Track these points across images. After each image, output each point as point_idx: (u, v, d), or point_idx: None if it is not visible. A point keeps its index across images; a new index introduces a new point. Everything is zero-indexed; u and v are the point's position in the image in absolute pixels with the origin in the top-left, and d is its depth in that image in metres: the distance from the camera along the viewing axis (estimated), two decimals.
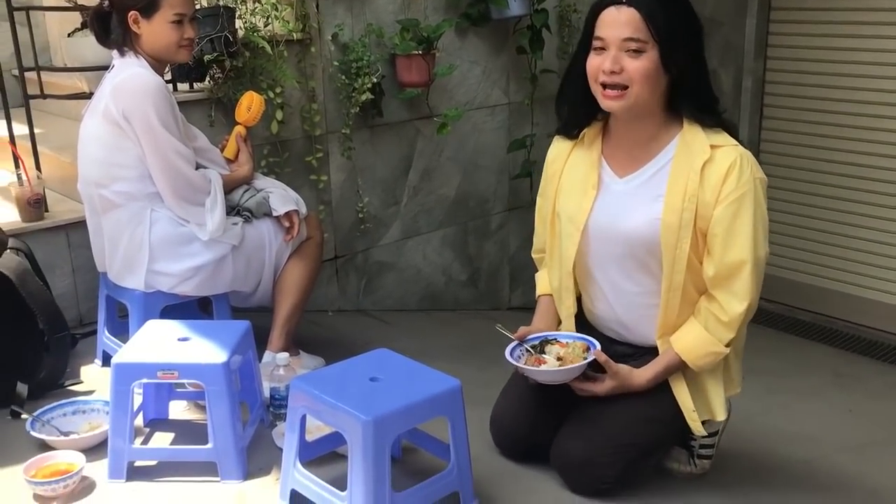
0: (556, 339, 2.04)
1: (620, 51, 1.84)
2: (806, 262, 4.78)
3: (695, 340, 1.94)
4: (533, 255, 2.31)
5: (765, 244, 1.91)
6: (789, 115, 4.73)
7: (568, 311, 2.11)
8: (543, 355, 1.99)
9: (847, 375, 3.55)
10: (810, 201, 4.70)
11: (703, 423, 2.02)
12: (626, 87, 1.86)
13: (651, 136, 1.95)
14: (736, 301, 1.90)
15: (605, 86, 1.88)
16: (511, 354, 2.00)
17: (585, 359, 1.95)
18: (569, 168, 2.08)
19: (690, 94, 1.91)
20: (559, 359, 1.97)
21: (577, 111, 2.04)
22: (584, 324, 2.14)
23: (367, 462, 1.69)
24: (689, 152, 1.90)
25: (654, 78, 1.86)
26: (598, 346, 1.97)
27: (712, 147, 1.89)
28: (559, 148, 2.12)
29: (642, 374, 1.98)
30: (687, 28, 1.88)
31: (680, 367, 1.97)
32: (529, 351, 2.01)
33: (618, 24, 1.84)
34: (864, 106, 4.39)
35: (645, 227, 1.93)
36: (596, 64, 1.88)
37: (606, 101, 1.90)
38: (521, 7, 3.40)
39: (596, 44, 1.89)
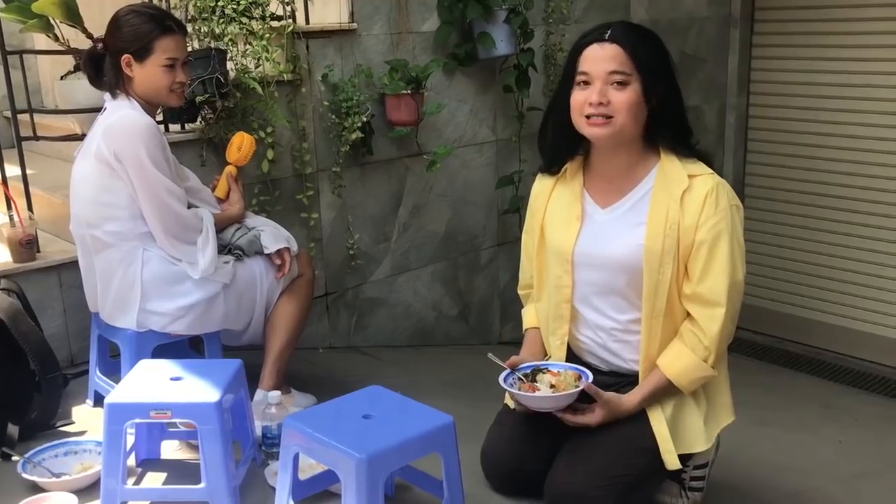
0: (547, 368, 2.06)
1: (606, 84, 1.92)
2: (793, 294, 4.82)
3: (684, 365, 1.97)
4: (519, 292, 2.34)
5: (742, 268, 1.98)
6: (773, 150, 4.80)
7: (561, 339, 2.13)
8: (536, 384, 2.01)
9: (836, 407, 3.56)
10: (796, 234, 4.75)
11: (691, 455, 2.04)
12: (610, 117, 1.92)
13: (630, 167, 2.02)
14: (714, 322, 1.95)
15: (589, 116, 1.94)
16: (504, 382, 2.02)
17: (577, 387, 1.96)
18: (553, 203, 2.13)
19: (668, 125, 1.99)
20: (552, 387, 1.99)
21: (559, 146, 2.09)
22: (568, 353, 2.16)
23: (361, 500, 1.69)
24: (668, 181, 1.97)
25: (637, 108, 1.93)
26: (591, 377, 1.99)
27: (690, 177, 1.96)
28: (542, 185, 2.18)
29: (630, 399, 2.00)
30: (663, 62, 1.98)
31: (668, 390, 2.00)
32: (521, 379, 2.03)
33: (603, 59, 1.92)
34: (847, 140, 4.46)
35: (628, 253, 1.98)
36: (581, 98, 1.95)
37: (592, 130, 1.95)
38: (507, 47, 3.47)
39: (580, 78, 1.95)
